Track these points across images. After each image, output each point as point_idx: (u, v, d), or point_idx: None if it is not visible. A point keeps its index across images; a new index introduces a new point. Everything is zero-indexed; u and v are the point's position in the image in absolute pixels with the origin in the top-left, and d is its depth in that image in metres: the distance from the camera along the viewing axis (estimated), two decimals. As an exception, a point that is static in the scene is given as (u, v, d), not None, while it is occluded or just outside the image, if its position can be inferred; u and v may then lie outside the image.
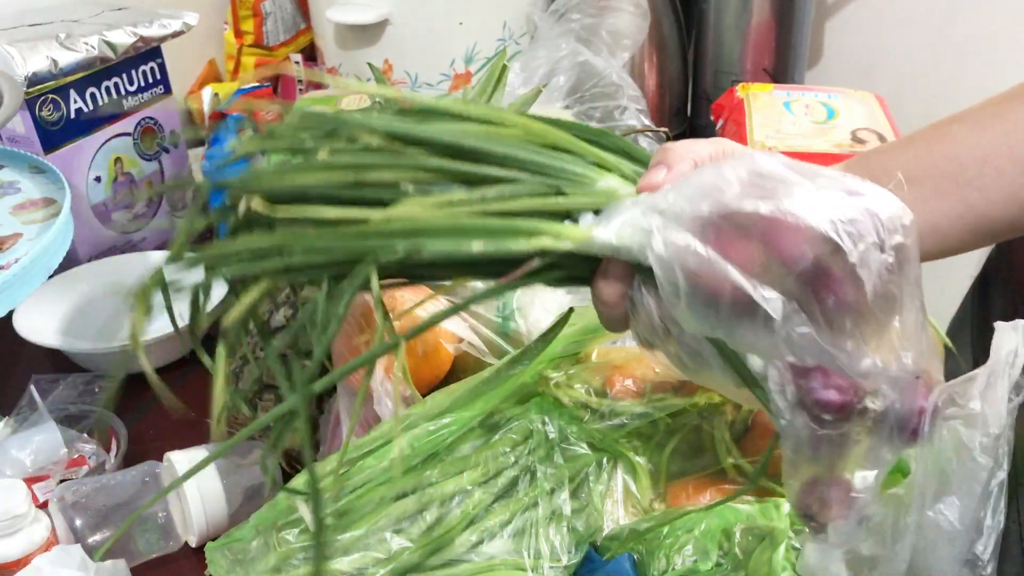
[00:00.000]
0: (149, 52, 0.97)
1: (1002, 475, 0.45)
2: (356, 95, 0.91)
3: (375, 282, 0.37)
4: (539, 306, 0.69)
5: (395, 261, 0.37)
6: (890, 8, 1.34)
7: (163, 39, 0.97)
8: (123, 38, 0.92)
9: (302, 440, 0.37)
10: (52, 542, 0.61)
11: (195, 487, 0.64)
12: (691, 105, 1.30)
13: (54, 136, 0.90)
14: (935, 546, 0.46)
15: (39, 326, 0.82)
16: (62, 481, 0.68)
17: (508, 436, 0.58)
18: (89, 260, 0.94)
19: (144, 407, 0.80)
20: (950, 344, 0.63)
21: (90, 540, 0.62)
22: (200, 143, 1.10)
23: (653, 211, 0.38)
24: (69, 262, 0.91)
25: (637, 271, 0.40)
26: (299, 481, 0.56)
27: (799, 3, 1.20)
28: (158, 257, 0.94)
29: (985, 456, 0.45)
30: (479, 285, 0.70)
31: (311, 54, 1.32)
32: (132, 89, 0.97)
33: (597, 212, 0.40)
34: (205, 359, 0.41)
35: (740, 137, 0.91)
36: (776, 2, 1.19)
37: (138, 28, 0.94)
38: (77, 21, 0.93)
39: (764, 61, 1.22)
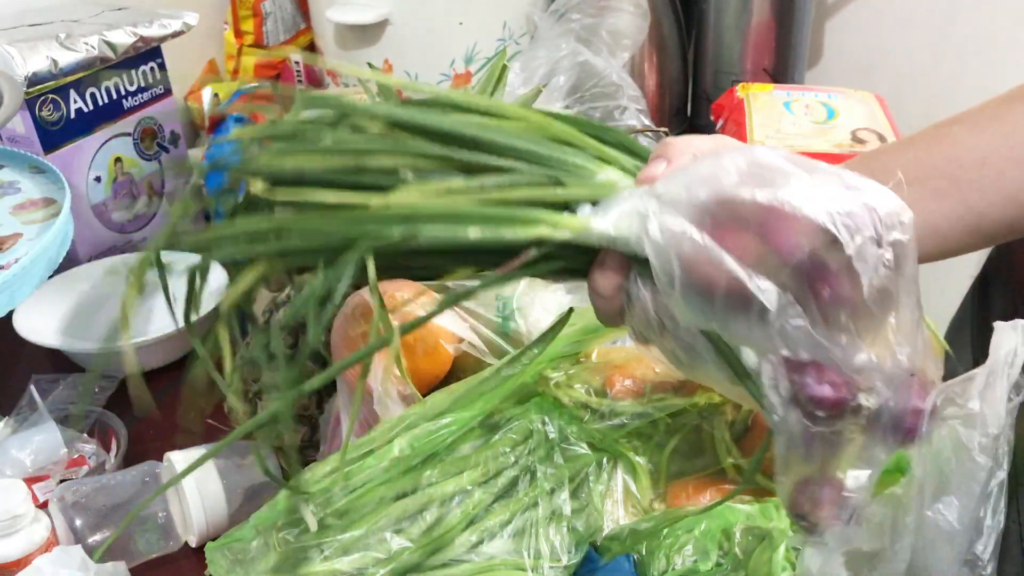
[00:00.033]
0: (149, 52, 0.97)
1: (1001, 475, 0.45)
2: (356, 94, 0.91)
3: (371, 268, 0.37)
4: (539, 306, 0.69)
5: (391, 246, 0.37)
6: (890, 8, 1.34)
7: (163, 39, 0.97)
8: (123, 38, 0.92)
9: (288, 440, 0.37)
10: (52, 542, 0.61)
11: (195, 487, 0.64)
12: (691, 105, 1.30)
13: (54, 136, 0.90)
14: (935, 546, 0.46)
15: (39, 326, 0.82)
16: (62, 481, 0.68)
17: (508, 436, 0.58)
18: (89, 260, 0.94)
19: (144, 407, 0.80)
20: (948, 348, 0.63)
21: (90, 540, 0.62)
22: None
23: (650, 196, 0.38)
24: (69, 262, 0.91)
25: (634, 263, 0.40)
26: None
27: (799, 3, 1.20)
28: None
29: (984, 456, 0.45)
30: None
31: (311, 54, 1.32)
32: (132, 89, 0.97)
33: (596, 204, 0.39)
34: (197, 343, 0.41)
35: (740, 137, 0.91)
36: (776, 2, 1.19)
37: (138, 28, 0.94)
38: (77, 21, 0.93)
39: (764, 61, 1.22)
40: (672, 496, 0.59)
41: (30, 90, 0.86)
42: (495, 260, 0.39)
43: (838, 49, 1.40)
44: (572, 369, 0.61)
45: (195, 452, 0.66)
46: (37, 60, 0.86)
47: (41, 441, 0.70)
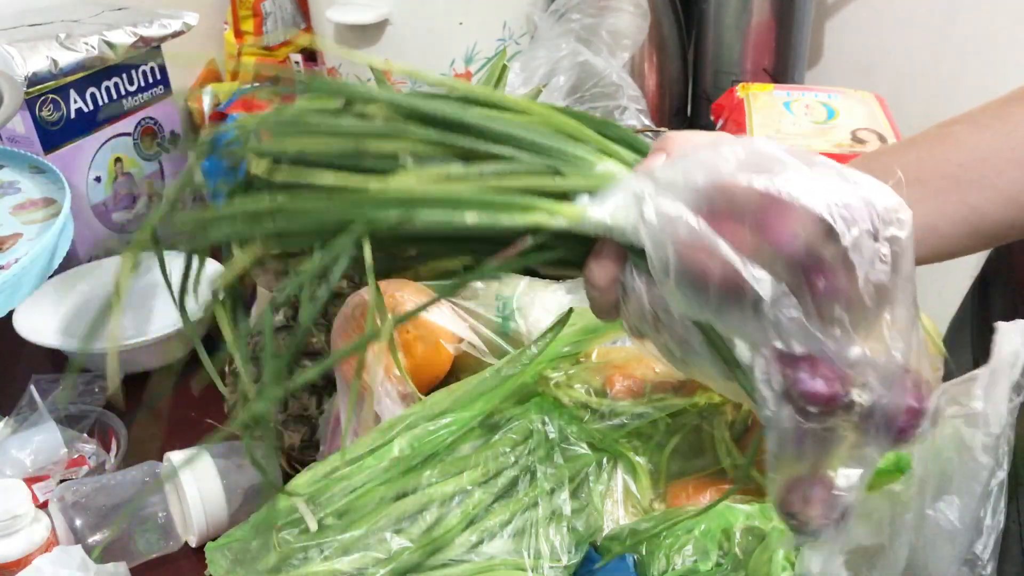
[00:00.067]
0: (149, 52, 0.97)
1: (1002, 475, 0.45)
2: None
3: (367, 251, 0.37)
4: (539, 306, 0.69)
5: (388, 230, 0.37)
6: (890, 8, 1.34)
7: (163, 39, 0.97)
8: (123, 38, 0.92)
9: (267, 440, 0.37)
10: (52, 542, 0.61)
11: (195, 487, 0.64)
12: (691, 105, 1.30)
13: (54, 136, 0.90)
14: (935, 545, 0.46)
15: (39, 326, 0.82)
16: (62, 481, 0.68)
17: (508, 436, 0.58)
18: (89, 260, 0.94)
19: (144, 407, 0.80)
20: (945, 352, 0.63)
21: (90, 540, 0.62)
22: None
23: (647, 179, 0.38)
24: (69, 262, 0.91)
25: (630, 253, 0.39)
26: (300, 481, 0.56)
27: (799, 3, 1.20)
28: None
29: (987, 456, 0.45)
30: (479, 285, 0.71)
31: (311, 54, 1.32)
32: (132, 89, 0.97)
33: (593, 195, 0.39)
34: (189, 325, 0.41)
35: (740, 137, 0.91)
36: (776, 2, 1.19)
37: (138, 28, 0.94)
38: (77, 21, 0.93)
39: (764, 61, 1.22)
40: (672, 496, 0.59)
41: (30, 90, 0.86)
42: (492, 249, 0.39)
43: (838, 49, 1.40)
44: (572, 369, 0.61)
45: (195, 452, 0.66)
46: (37, 60, 0.86)
47: (41, 441, 0.70)
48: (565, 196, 0.39)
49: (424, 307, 0.40)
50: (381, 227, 0.37)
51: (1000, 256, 0.78)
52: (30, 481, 0.66)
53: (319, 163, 0.38)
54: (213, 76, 1.29)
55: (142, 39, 0.94)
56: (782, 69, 1.22)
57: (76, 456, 0.71)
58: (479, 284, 0.71)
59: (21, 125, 0.87)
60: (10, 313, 0.80)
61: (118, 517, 0.63)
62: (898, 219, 0.37)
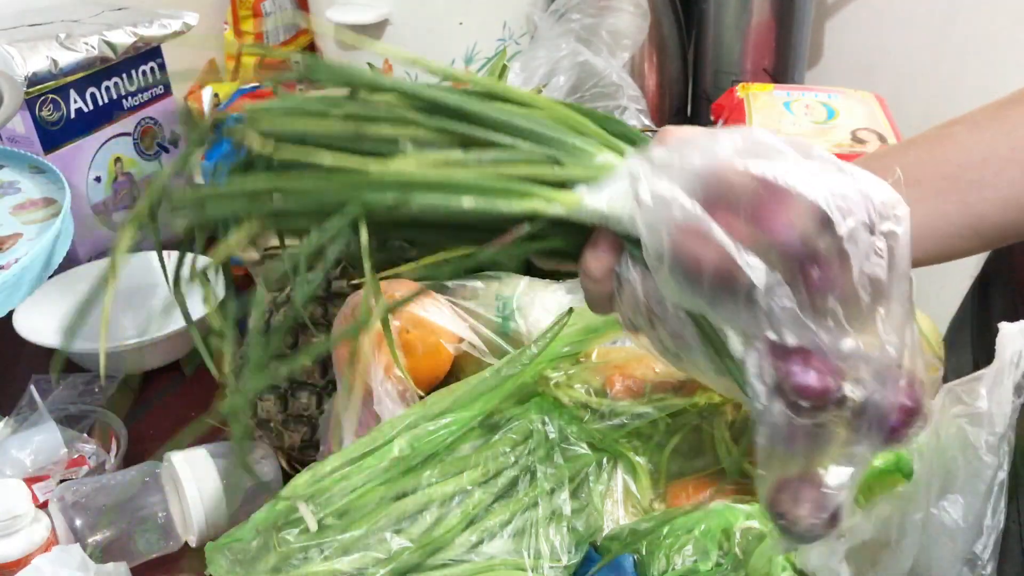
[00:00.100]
0: (149, 52, 0.97)
1: (1003, 475, 0.46)
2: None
3: (364, 234, 0.37)
4: (539, 306, 0.69)
5: (385, 210, 0.37)
6: (890, 8, 1.34)
7: (163, 39, 0.97)
8: (123, 38, 0.92)
9: (241, 437, 0.37)
10: (52, 542, 0.61)
11: (195, 487, 0.64)
12: (691, 105, 1.30)
13: (54, 136, 0.90)
14: (936, 543, 0.46)
15: (39, 326, 0.82)
16: (62, 481, 0.68)
17: (508, 436, 0.58)
18: (89, 260, 0.94)
19: (144, 407, 0.80)
20: (940, 356, 0.63)
21: (90, 540, 0.62)
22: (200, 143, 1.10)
23: (643, 160, 0.38)
24: (69, 262, 0.91)
25: (626, 243, 0.39)
26: (300, 481, 0.56)
27: (799, 3, 1.20)
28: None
29: (991, 455, 0.45)
30: (479, 285, 0.71)
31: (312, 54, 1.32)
32: (132, 89, 0.97)
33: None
34: (181, 298, 0.41)
35: (740, 137, 0.91)
36: (776, 2, 1.19)
37: (138, 28, 0.94)
38: (77, 21, 0.93)
39: (764, 61, 1.22)
40: (672, 496, 0.59)
41: (30, 90, 0.86)
42: (489, 239, 0.39)
43: (838, 49, 1.40)
44: (572, 369, 0.61)
45: (195, 452, 0.66)
46: (37, 60, 0.86)
47: (41, 441, 0.70)
48: (564, 186, 0.39)
49: (417, 294, 0.40)
50: (378, 208, 0.37)
51: (1000, 256, 0.78)
52: (30, 481, 0.66)
53: (319, 145, 0.38)
54: (213, 76, 1.29)
55: (142, 39, 0.94)
56: (782, 69, 1.22)
57: (76, 456, 0.71)
58: (479, 284, 0.71)
59: (21, 125, 0.87)
60: (10, 313, 0.80)
61: (118, 517, 0.63)
62: (895, 215, 0.36)
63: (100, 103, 0.93)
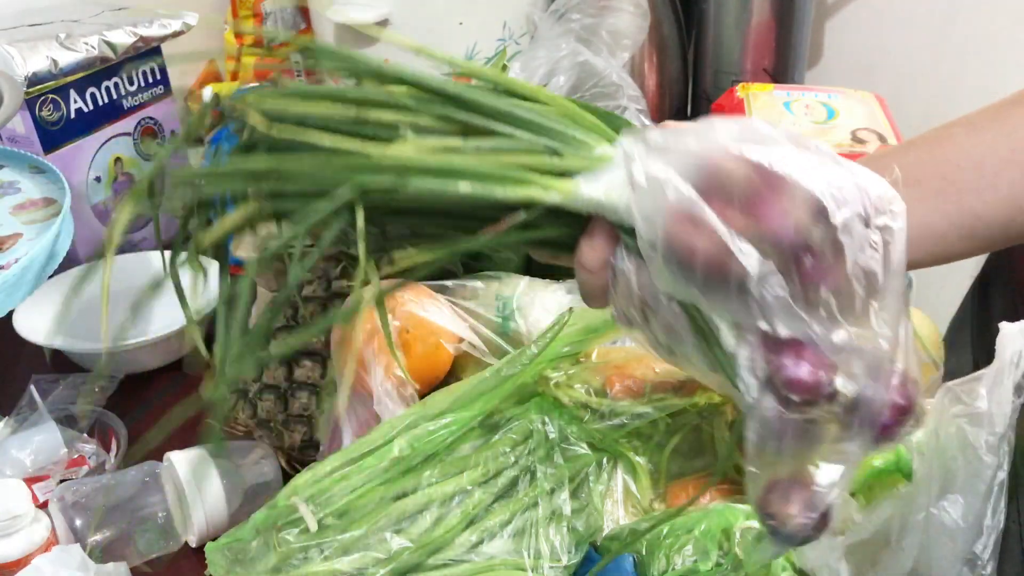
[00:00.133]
0: (149, 52, 0.97)
1: (1003, 475, 0.46)
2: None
3: (360, 217, 0.37)
4: (539, 306, 0.69)
5: (381, 194, 0.37)
6: (890, 8, 1.34)
7: (163, 39, 0.97)
8: (123, 38, 0.92)
9: (215, 431, 0.37)
10: (52, 542, 0.61)
11: (195, 487, 0.64)
12: (691, 105, 1.30)
13: (54, 136, 0.90)
14: (936, 543, 0.46)
15: (39, 326, 0.82)
16: (62, 481, 0.68)
17: (508, 436, 0.58)
18: (89, 260, 0.94)
19: (144, 407, 0.80)
20: (934, 358, 0.63)
21: (90, 540, 0.62)
22: (200, 143, 1.10)
23: (639, 141, 0.38)
24: (69, 262, 0.91)
25: (622, 234, 0.39)
26: (300, 481, 0.56)
27: (799, 3, 1.20)
28: (158, 257, 0.94)
29: (990, 455, 0.45)
30: (479, 285, 0.71)
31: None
32: (132, 89, 0.97)
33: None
34: (175, 277, 0.41)
35: (740, 137, 0.91)
36: (776, 2, 1.19)
37: (138, 28, 0.94)
38: (77, 21, 0.93)
39: (764, 61, 1.22)
40: (672, 496, 0.59)
41: (30, 90, 0.86)
42: (485, 225, 0.39)
43: (838, 49, 1.40)
44: (572, 369, 0.61)
45: (195, 452, 0.66)
46: (37, 60, 0.86)
47: (41, 441, 0.70)
48: (562, 175, 0.39)
49: (418, 277, 0.40)
50: (375, 189, 0.37)
51: (1000, 256, 0.78)
52: (30, 481, 0.66)
53: (320, 127, 0.38)
54: (213, 76, 1.29)
55: (142, 39, 0.94)
56: (782, 69, 1.22)
57: (76, 456, 0.71)
58: (479, 284, 0.71)
59: (21, 125, 0.87)
60: (10, 313, 0.80)
61: (120, 517, 0.63)
62: (891, 210, 0.36)
63: (100, 103, 0.93)
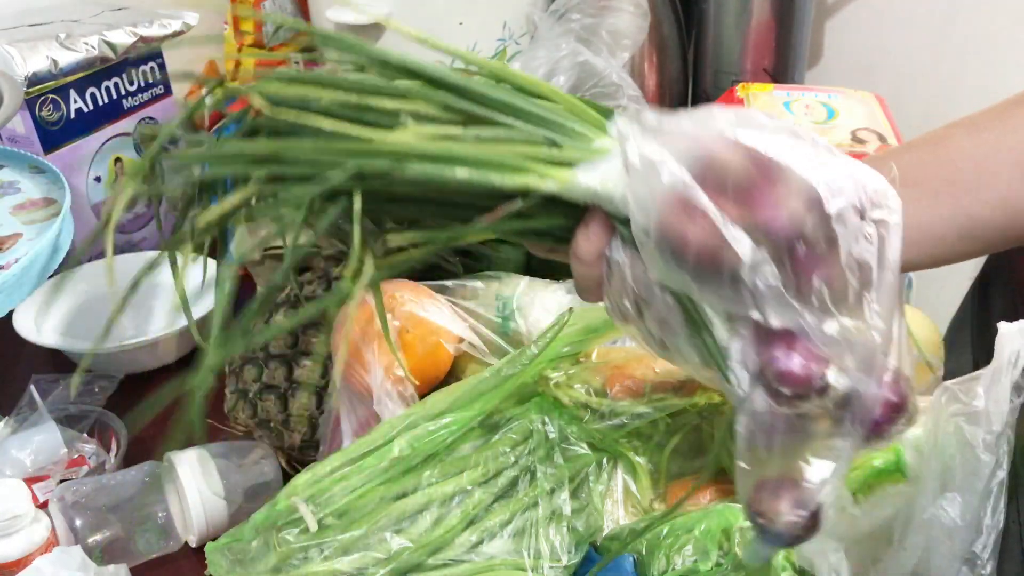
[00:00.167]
0: (149, 52, 0.97)
1: (1002, 474, 0.46)
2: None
3: (357, 202, 0.37)
4: (539, 306, 0.69)
5: (379, 181, 0.37)
6: (890, 8, 1.34)
7: (163, 39, 0.97)
8: (123, 38, 0.92)
9: (197, 418, 0.37)
10: (52, 542, 0.61)
11: (195, 487, 0.64)
12: (691, 105, 1.30)
13: (54, 136, 0.90)
14: (936, 542, 0.46)
15: (39, 326, 0.82)
16: (62, 481, 0.68)
17: (508, 436, 0.58)
18: (89, 260, 0.94)
19: (144, 407, 0.80)
20: (928, 359, 0.63)
21: (90, 540, 0.62)
22: (200, 143, 1.10)
23: (635, 121, 0.38)
24: (69, 262, 0.91)
25: (617, 225, 0.39)
26: (300, 481, 0.56)
27: (799, 3, 1.20)
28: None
29: (988, 454, 0.45)
30: (479, 285, 0.71)
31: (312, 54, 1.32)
32: (132, 89, 0.97)
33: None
34: (179, 284, 0.41)
35: (740, 137, 0.91)
36: (776, 2, 1.19)
37: (138, 28, 0.94)
38: (77, 21, 0.93)
39: (764, 61, 1.22)
40: (672, 496, 0.59)
41: (30, 90, 0.86)
42: (482, 214, 0.39)
43: (838, 49, 1.40)
44: (572, 369, 0.61)
45: (195, 452, 0.66)
46: (37, 60, 0.86)
47: (41, 441, 0.70)
48: (559, 165, 0.39)
49: (413, 261, 0.40)
50: (372, 172, 0.37)
51: (1000, 256, 0.77)
52: (30, 481, 0.66)
53: (321, 113, 0.39)
54: (213, 76, 1.29)
55: (142, 39, 0.94)
56: (782, 69, 1.22)
57: (76, 456, 0.71)
58: (479, 284, 0.71)
59: (21, 125, 0.87)
60: (10, 313, 0.80)
61: (118, 517, 0.63)
62: (887, 204, 0.36)
63: (100, 103, 0.93)
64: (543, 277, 0.72)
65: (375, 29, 1.07)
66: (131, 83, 0.96)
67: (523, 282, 0.71)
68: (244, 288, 0.81)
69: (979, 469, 0.45)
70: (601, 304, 0.43)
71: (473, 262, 0.76)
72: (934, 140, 0.48)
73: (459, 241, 0.41)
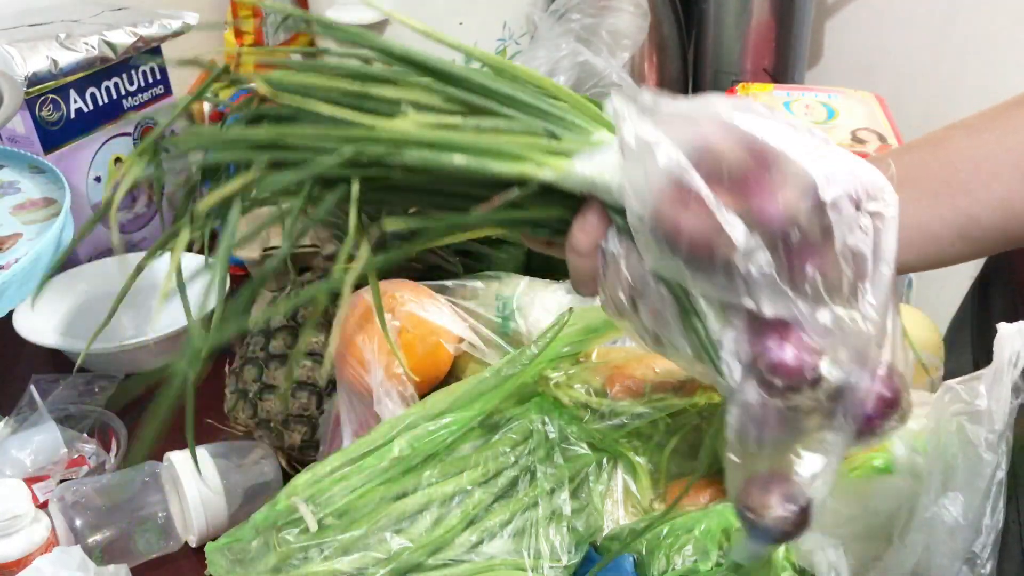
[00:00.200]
0: (149, 52, 0.97)
1: (1001, 473, 0.46)
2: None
3: (355, 189, 0.37)
4: (539, 306, 0.69)
5: (377, 167, 0.37)
6: (890, 8, 1.34)
7: (163, 39, 0.97)
8: (123, 38, 0.92)
9: (187, 408, 0.37)
10: (52, 542, 0.61)
11: (195, 487, 0.64)
12: (691, 105, 1.29)
13: (54, 136, 0.90)
14: (936, 541, 0.46)
15: (39, 326, 0.82)
16: (62, 481, 0.68)
17: (508, 436, 0.58)
18: (89, 260, 0.94)
19: (144, 407, 0.80)
20: (921, 359, 0.63)
21: (90, 540, 0.62)
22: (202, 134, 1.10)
23: (630, 101, 0.38)
24: (69, 262, 0.91)
25: (613, 217, 0.39)
26: (300, 481, 0.56)
27: (799, 3, 1.20)
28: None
29: (990, 452, 0.45)
30: (479, 285, 0.71)
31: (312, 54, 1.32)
32: (132, 89, 0.97)
33: None
34: (177, 275, 0.41)
35: (740, 137, 0.91)
36: (776, 2, 1.19)
37: (138, 28, 0.94)
38: (77, 21, 0.93)
39: (764, 61, 1.22)
40: (672, 496, 0.59)
41: (30, 90, 0.86)
42: (479, 203, 0.39)
43: (838, 49, 1.40)
44: (572, 369, 0.61)
45: (195, 451, 0.66)
46: (37, 60, 0.86)
47: (41, 441, 0.70)
48: (557, 155, 0.39)
49: (410, 253, 0.40)
50: (370, 157, 0.37)
51: (1000, 257, 0.77)
52: (30, 481, 0.66)
53: (323, 100, 0.39)
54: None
55: (142, 39, 0.94)
56: (782, 69, 1.22)
57: (76, 456, 0.71)
58: (479, 284, 0.71)
59: (21, 125, 0.87)
60: (10, 313, 0.80)
61: (120, 517, 0.63)
62: (883, 197, 0.36)
63: (100, 103, 0.93)
64: (543, 277, 0.72)
65: (376, 29, 1.07)
66: (131, 83, 0.96)
67: (523, 282, 0.71)
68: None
69: (981, 468, 0.45)
70: (598, 301, 0.43)
71: (473, 262, 0.76)
72: (933, 141, 0.48)
73: (456, 230, 0.41)
